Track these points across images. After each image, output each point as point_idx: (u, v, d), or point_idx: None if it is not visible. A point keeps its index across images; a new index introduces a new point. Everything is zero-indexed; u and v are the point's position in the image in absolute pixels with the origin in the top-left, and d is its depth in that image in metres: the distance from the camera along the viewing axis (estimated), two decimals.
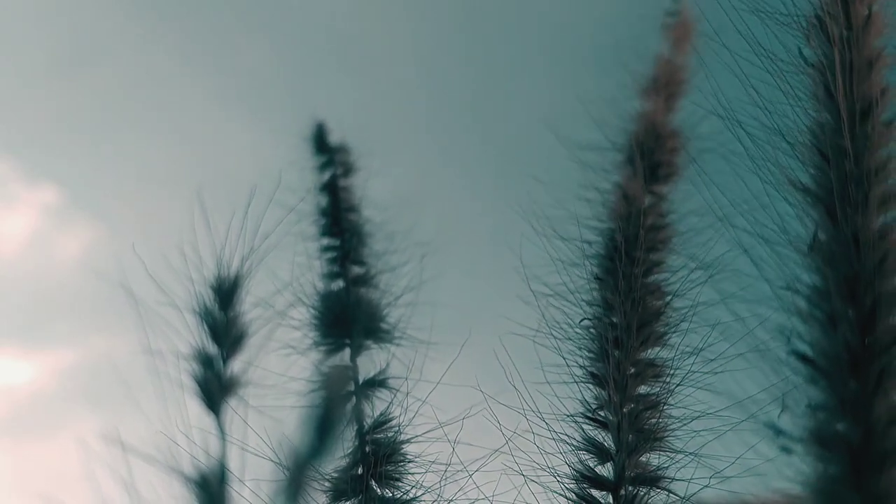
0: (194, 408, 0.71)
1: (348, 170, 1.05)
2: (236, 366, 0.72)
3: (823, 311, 0.66)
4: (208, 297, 0.74)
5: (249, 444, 0.70)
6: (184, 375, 0.71)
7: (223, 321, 0.73)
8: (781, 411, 0.67)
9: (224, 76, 1.87)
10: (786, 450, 0.67)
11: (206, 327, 0.73)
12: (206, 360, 0.72)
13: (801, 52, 0.72)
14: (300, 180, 1.02)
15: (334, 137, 1.04)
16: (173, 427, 0.69)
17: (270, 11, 1.86)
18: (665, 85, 1.03)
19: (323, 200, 1.04)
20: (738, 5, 0.72)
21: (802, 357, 0.67)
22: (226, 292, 0.74)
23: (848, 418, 0.64)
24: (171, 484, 0.66)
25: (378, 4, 1.89)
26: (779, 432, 0.67)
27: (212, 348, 0.73)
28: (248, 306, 0.74)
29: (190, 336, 0.73)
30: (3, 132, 1.86)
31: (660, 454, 0.96)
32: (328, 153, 1.04)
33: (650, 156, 1.02)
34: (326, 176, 1.05)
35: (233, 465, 0.67)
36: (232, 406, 0.71)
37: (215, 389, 0.71)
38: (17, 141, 1.87)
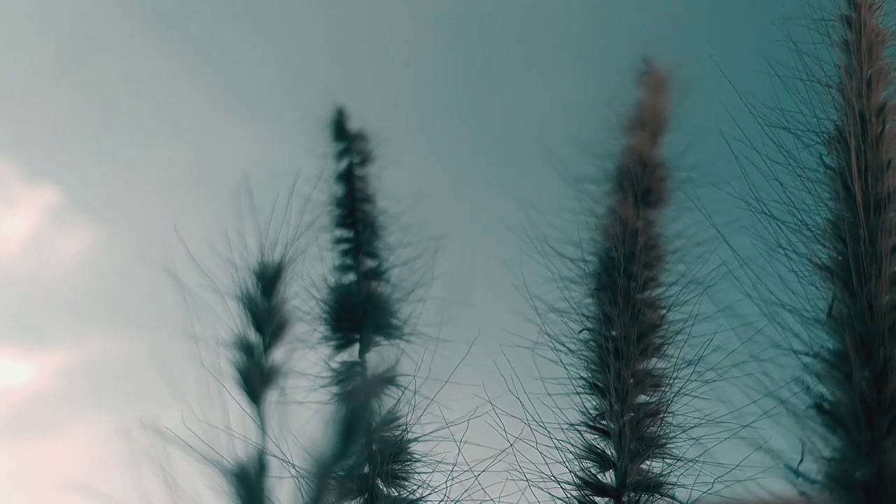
0: (234, 397, 0.69)
1: (366, 158, 1.03)
2: (277, 354, 0.71)
3: (840, 369, 0.75)
4: (251, 284, 0.72)
5: (285, 437, 0.69)
6: (224, 363, 0.70)
7: (265, 308, 0.72)
8: (801, 458, 0.73)
9: (226, 75, 1.86)
10: (803, 493, 0.74)
11: (248, 314, 0.71)
12: (247, 349, 0.70)
13: (822, 159, 0.84)
14: (316, 169, 1.01)
15: (353, 124, 1.03)
16: (212, 417, 0.68)
17: (276, 9, 1.85)
18: (648, 123, 1.10)
19: (338, 190, 1.03)
20: (771, 121, 0.86)
21: (822, 409, 0.74)
22: (269, 279, 0.72)
23: (862, 463, 0.71)
24: (207, 474, 0.65)
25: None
26: (798, 475, 0.73)
27: (253, 336, 0.71)
28: (290, 294, 0.73)
29: (231, 323, 0.71)
30: (3, 132, 1.84)
31: (661, 461, 0.97)
32: (346, 140, 1.03)
33: (640, 183, 1.06)
34: (343, 164, 1.03)
35: (272, 456, 0.66)
36: (272, 396, 0.69)
37: (256, 378, 0.70)
38: (17, 141, 1.84)
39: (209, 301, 0.71)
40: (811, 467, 0.73)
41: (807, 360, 0.76)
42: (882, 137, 0.82)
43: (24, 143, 1.84)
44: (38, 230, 1.98)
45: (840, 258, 0.79)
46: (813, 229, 0.81)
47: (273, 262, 0.72)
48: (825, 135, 0.84)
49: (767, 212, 0.83)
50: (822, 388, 0.75)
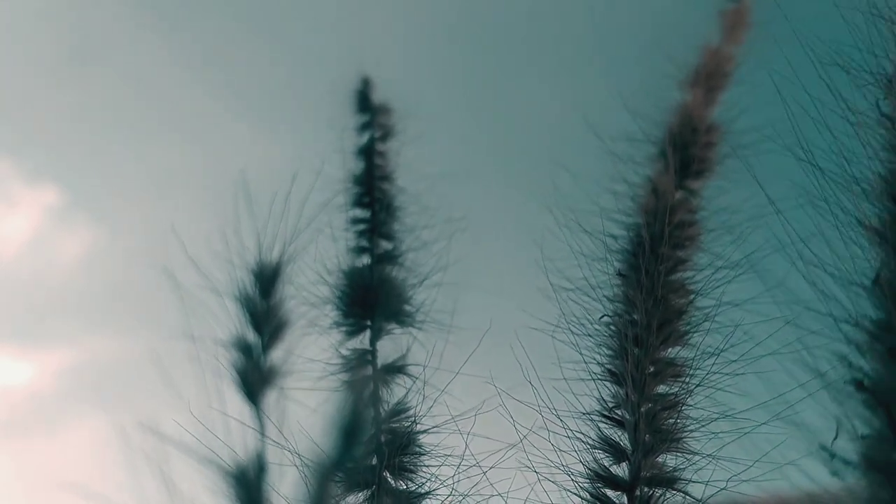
0: (233, 397, 0.68)
1: (388, 133, 1.01)
2: (276, 355, 0.69)
3: (884, 343, 0.68)
4: (249, 284, 0.71)
5: (285, 435, 0.67)
6: (222, 363, 0.69)
7: (264, 308, 0.70)
8: (836, 436, 0.68)
9: (229, 74, 1.84)
10: (837, 473, 0.68)
11: (246, 314, 0.70)
12: (245, 349, 0.69)
13: (878, 105, 0.75)
14: (336, 144, 0.99)
15: (377, 96, 1.00)
16: (210, 417, 0.67)
17: (280, 5, 1.83)
18: (708, 76, 1.02)
19: (358, 166, 1.00)
20: (822, 58, 0.77)
21: (861, 386, 0.68)
22: (267, 279, 0.71)
23: None
24: (206, 475, 0.64)
25: None
26: (833, 456, 0.68)
27: (252, 336, 0.70)
28: (289, 293, 0.71)
29: (229, 323, 0.70)
30: (3, 132, 1.84)
31: (676, 455, 0.95)
32: (370, 112, 1.00)
33: (684, 150, 1.00)
34: (364, 138, 1.01)
35: (271, 456, 0.65)
36: (270, 396, 0.68)
37: (255, 379, 0.68)
38: (17, 141, 1.84)
39: (207, 301, 0.70)
40: (847, 447, 0.68)
41: (847, 329, 0.70)
42: None
43: (24, 143, 1.85)
44: (38, 230, 1.99)
45: (890, 219, 0.71)
46: (862, 184, 0.73)
47: (271, 261, 0.71)
48: (884, 77, 0.76)
49: (812, 161, 0.75)
50: (862, 363, 0.69)
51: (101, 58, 1.94)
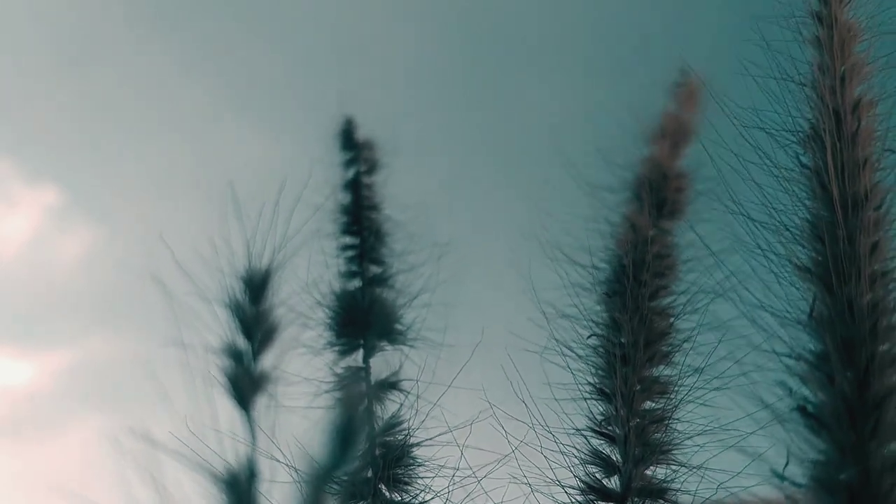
0: (223, 403, 0.69)
1: (372, 167, 1.04)
2: (266, 361, 0.71)
3: (823, 371, 0.73)
4: (239, 290, 0.73)
5: (276, 443, 0.69)
6: (213, 370, 0.70)
7: (254, 315, 0.72)
8: (787, 462, 0.72)
9: (227, 77, 1.87)
10: (790, 497, 0.73)
11: (236, 321, 0.72)
12: (235, 355, 0.71)
13: (798, 158, 0.82)
14: (323, 177, 1.02)
15: (361, 134, 1.04)
16: (202, 423, 0.68)
17: (276, 12, 1.86)
18: (672, 134, 1.08)
19: (345, 198, 1.04)
20: (745, 122, 0.84)
21: (805, 412, 0.73)
22: (257, 285, 0.73)
23: (846, 465, 0.71)
24: (197, 481, 0.65)
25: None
26: (783, 479, 0.73)
27: (242, 342, 0.71)
28: (279, 300, 0.73)
29: (220, 330, 0.71)
30: (3, 132, 1.85)
31: (665, 467, 0.97)
32: (354, 149, 1.04)
33: (657, 193, 1.06)
34: (351, 173, 1.04)
35: (261, 462, 0.66)
36: (261, 402, 0.70)
37: (245, 385, 0.70)
38: (17, 141, 1.86)
39: (198, 308, 0.72)
40: (796, 470, 0.73)
41: (789, 362, 0.75)
42: (857, 134, 0.80)
43: (24, 143, 1.86)
44: (38, 230, 2.00)
45: (819, 258, 0.78)
46: (791, 230, 0.80)
47: (260, 268, 0.73)
48: (800, 133, 0.83)
49: (745, 213, 0.82)
50: (805, 391, 0.74)
51: (100, 58, 1.96)
